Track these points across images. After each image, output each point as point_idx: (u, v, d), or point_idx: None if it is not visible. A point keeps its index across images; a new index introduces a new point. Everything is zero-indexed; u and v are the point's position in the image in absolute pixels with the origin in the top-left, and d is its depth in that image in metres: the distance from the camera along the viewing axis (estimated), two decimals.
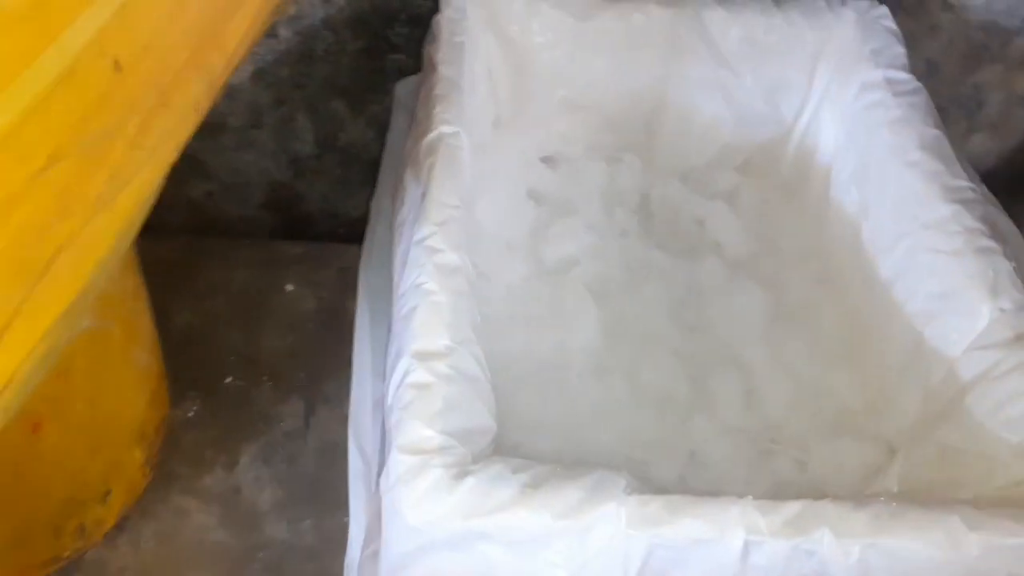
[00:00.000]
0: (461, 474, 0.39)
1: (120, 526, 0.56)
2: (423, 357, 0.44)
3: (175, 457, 0.60)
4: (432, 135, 0.56)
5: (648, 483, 0.43)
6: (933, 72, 0.84)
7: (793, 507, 0.40)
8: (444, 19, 0.65)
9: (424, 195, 0.52)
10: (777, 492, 0.51)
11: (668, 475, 0.58)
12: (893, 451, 0.55)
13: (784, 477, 0.58)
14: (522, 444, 0.58)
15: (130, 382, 0.51)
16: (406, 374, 0.43)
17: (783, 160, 0.75)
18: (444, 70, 0.60)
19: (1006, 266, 0.51)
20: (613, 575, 0.39)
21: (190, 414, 0.62)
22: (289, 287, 0.72)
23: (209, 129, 0.86)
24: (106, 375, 0.48)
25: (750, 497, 0.40)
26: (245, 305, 0.69)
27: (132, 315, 0.50)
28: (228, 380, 0.65)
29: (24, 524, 0.48)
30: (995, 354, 0.48)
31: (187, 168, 0.88)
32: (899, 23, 0.79)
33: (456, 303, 0.47)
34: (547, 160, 0.76)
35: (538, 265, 0.69)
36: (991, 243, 0.52)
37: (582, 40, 0.69)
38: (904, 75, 0.64)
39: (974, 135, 0.89)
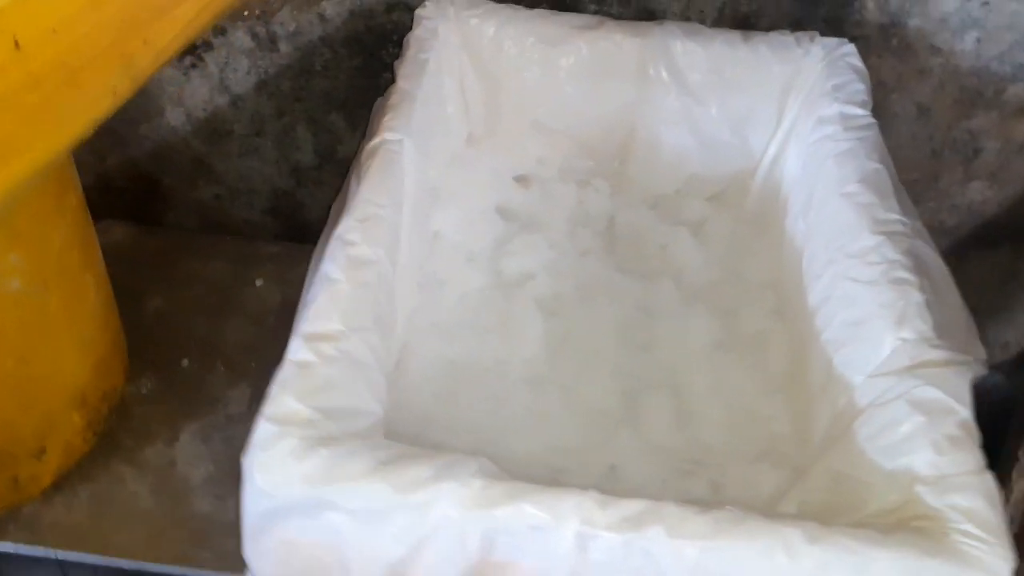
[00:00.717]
0: (317, 445, 0.41)
1: (57, 485, 0.60)
2: (311, 339, 0.46)
3: (122, 428, 0.63)
4: (376, 140, 0.59)
5: None
6: (924, 116, 0.83)
7: (634, 505, 0.41)
8: (413, 38, 0.68)
9: (355, 194, 0.55)
10: None
11: (581, 485, 0.59)
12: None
13: (696, 496, 0.58)
14: (443, 443, 0.60)
15: (69, 350, 0.55)
16: (292, 353, 0.46)
17: (751, 192, 0.76)
18: (402, 83, 0.64)
19: (917, 298, 0.51)
20: (452, 555, 0.41)
21: (144, 390, 0.66)
22: (259, 282, 0.76)
23: (216, 135, 0.92)
24: (40, 339, 0.52)
25: (593, 491, 0.41)
26: (215, 296, 0.73)
27: (74, 289, 0.54)
28: (185, 363, 0.69)
29: None
30: (887, 382, 0.48)
31: (196, 171, 0.94)
32: (886, 66, 0.79)
33: (358, 292, 0.49)
34: (520, 179, 0.78)
35: (496, 277, 0.71)
36: (907, 275, 0.52)
37: (552, 65, 0.72)
38: (859, 111, 0.64)
39: (972, 182, 0.88)
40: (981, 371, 0.50)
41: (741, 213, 0.77)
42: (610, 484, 0.59)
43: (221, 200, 0.96)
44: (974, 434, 0.44)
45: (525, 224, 0.75)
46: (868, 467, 0.45)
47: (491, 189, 0.76)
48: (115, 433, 0.63)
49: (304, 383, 0.44)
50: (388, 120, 0.60)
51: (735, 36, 0.71)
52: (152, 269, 0.77)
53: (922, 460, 0.43)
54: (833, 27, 0.77)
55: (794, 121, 0.71)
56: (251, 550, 0.44)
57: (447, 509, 0.40)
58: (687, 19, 0.77)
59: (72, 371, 0.56)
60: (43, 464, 0.57)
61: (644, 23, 0.72)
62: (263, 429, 0.42)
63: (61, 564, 0.59)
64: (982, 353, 0.53)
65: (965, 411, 0.45)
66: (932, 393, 0.45)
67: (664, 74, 0.71)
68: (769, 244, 0.72)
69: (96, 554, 0.58)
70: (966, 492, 0.41)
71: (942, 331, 0.51)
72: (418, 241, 0.65)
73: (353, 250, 0.51)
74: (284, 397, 0.43)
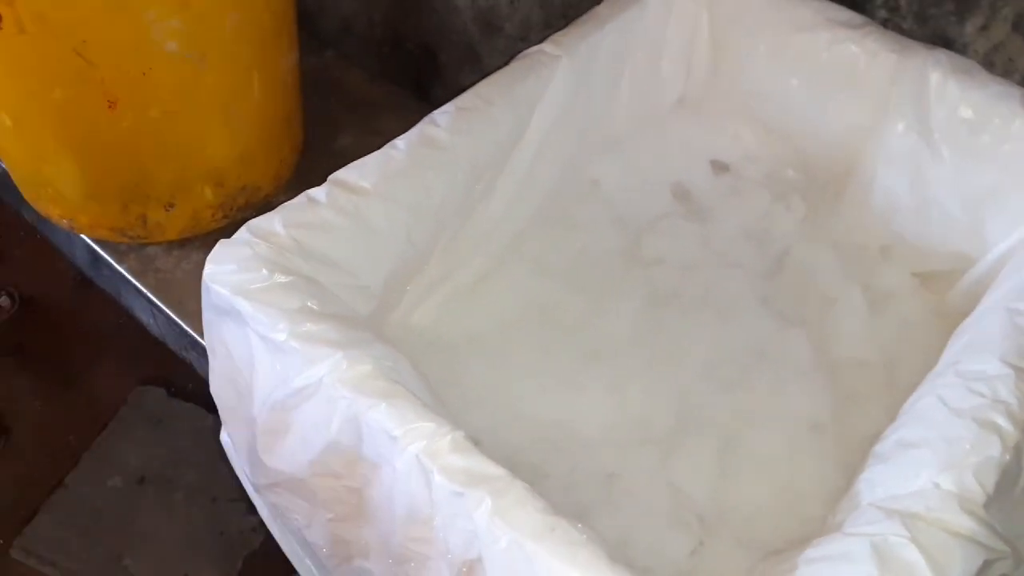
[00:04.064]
0: (264, 267, 0.43)
1: (181, 244, 0.69)
2: (335, 183, 0.47)
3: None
4: (533, 48, 0.57)
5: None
6: None
7: (486, 466, 0.37)
8: None
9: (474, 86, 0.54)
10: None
11: (564, 473, 0.54)
12: None
13: (669, 548, 0.51)
14: (458, 353, 0.58)
15: (215, 128, 0.61)
16: (312, 189, 0.47)
17: (962, 284, 0.62)
18: (602, 8, 0.61)
19: (994, 452, 0.39)
20: (320, 423, 0.41)
21: None
22: None
23: (490, 27, 0.95)
24: (187, 103, 0.58)
25: (462, 433, 0.38)
26: None
27: (236, 77, 0.59)
28: None
29: (99, 179, 0.61)
30: (878, 516, 0.37)
31: (466, 56, 0.99)
32: None
33: (408, 167, 0.49)
34: (716, 165, 0.71)
35: (630, 246, 0.67)
36: (1005, 424, 0.40)
37: (787, 53, 0.64)
38: None
39: None
40: None
41: (941, 305, 0.63)
42: (592, 490, 0.54)
43: None
44: None
45: (693, 211, 0.69)
46: None
47: (679, 162, 0.71)
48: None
49: (300, 215, 0.46)
50: (559, 34, 0.58)
51: (1015, 92, 0.57)
52: (362, 112, 0.83)
53: None
54: None
55: None
56: (207, 339, 0.47)
57: (323, 373, 0.39)
58: (990, 64, 0.63)
59: (213, 148, 0.63)
60: (170, 217, 0.66)
61: (912, 41, 0.60)
62: (239, 233, 0.44)
63: (152, 305, 0.68)
64: None
65: None
66: (911, 554, 0.35)
67: (907, 107, 0.60)
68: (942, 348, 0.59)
69: (174, 311, 0.66)
70: None
71: (1008, 509, 0.38)
72: (551, 173, 0.63)
73: (430, 129, 0.51)
74: (274, 217, 0.45)
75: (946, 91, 0.58)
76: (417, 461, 0.37)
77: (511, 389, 0.58)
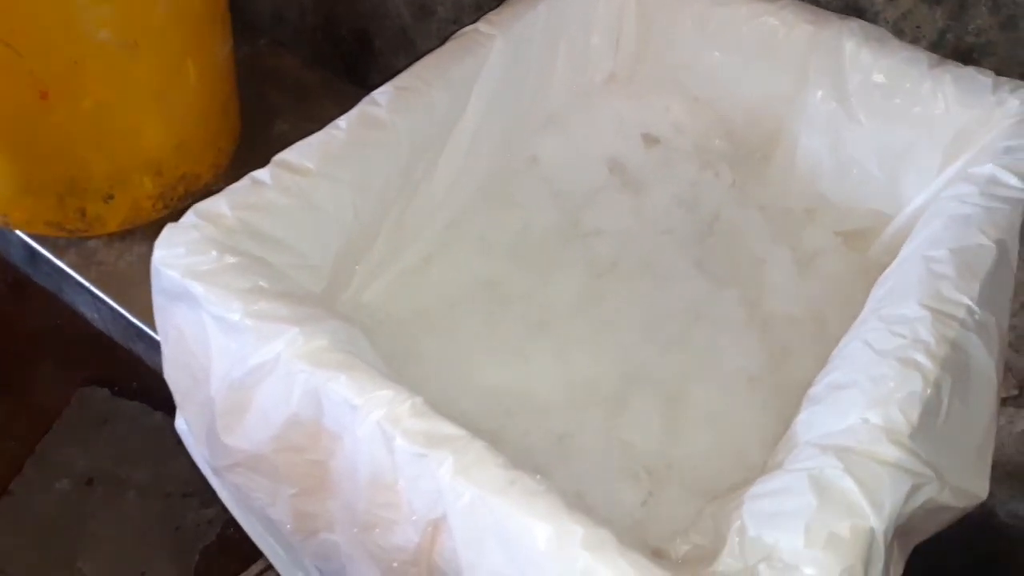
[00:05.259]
0: (213, 248, 0.43)
1: (122, 236, 0.68)
2: (279, 165, 0.48)
3: None
4: (467, 28, 0.58)
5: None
6: None
7: (445, 427, 0.38)
8: None
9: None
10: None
11: (518, 436, 0.56)
12: None
13: (619, 497, 0.54)
14: (409, 329, 0.59)
15: (150, 117, 0.61)
16: (256, 171, 0.48)
17: (881, 240, 0.65)
18: None
19: (916, 387, 0.42)
20: (279, 398, 0.42)
21: None
22: None
23: (423, 11, 0.96)
24: (120, 93, 0.58)
25: (421, 399, 0.39)
26: None
27: (168, 65, 0.59)
28: None
29: (33, 173, 0.61)
30: (812, 452, 0.40)
31: (400, 41, 1.00)
32: None
33: (350, 147, 0.50)
34: (647, 138, 0.74)
35: (568, 221, 0.69)
36: (925, 361, 0.43)
37: (708, 25, 0.66)
38: (1013, 180, 0.53)
39: None
40: (952, 504, 0.41)
41: (864, 261, 0.67)
42: (546, 451, 0.56)
43: None
44: (868, 546, 0.36)
45: (626, 183, 0.71)
46: (736, 526, 0.39)
47: (613, 137, 0.73)
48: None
49: (246, 197, 0.46)
50: (492, 14, 0.59)
51: (922, 57, 0.60)
52: (297, 99, 0.83)
53: (787, 542, 0.37)
54: None
55: (957, 174, 0.60)
56: (159, 325, 0.48)
57: (280, 350, 0.40)
58: (899, 31, 0.67)
59: (150, 137, 0.62)
60: (110, 209, 0.65)
61: (825, 12, 0.63)
62: (186, 216, 0.45)
63: (95, 298, 0.67)
64: (982, 490, 0.43)
65: (875, 520, 0.37)
66: (846, 483, 0.38)
67: (824, 75, 0.63)
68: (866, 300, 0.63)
69: (119, 303, 0.66)
70: None
71: (932, 438, 0.42)
72: (491, 151, 0.65)
73: (371, 109, 0.52)
74: (220, 199, 0.46)
75: (860, 59, 0.62)
76: (379, 427, 0.39)
77: (462, 362, 0.59)
